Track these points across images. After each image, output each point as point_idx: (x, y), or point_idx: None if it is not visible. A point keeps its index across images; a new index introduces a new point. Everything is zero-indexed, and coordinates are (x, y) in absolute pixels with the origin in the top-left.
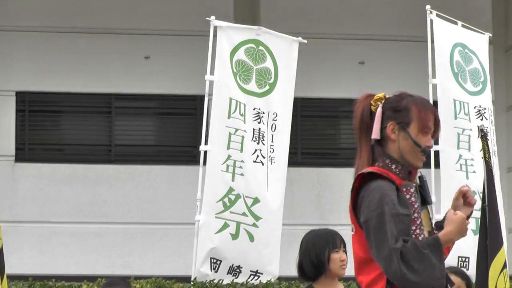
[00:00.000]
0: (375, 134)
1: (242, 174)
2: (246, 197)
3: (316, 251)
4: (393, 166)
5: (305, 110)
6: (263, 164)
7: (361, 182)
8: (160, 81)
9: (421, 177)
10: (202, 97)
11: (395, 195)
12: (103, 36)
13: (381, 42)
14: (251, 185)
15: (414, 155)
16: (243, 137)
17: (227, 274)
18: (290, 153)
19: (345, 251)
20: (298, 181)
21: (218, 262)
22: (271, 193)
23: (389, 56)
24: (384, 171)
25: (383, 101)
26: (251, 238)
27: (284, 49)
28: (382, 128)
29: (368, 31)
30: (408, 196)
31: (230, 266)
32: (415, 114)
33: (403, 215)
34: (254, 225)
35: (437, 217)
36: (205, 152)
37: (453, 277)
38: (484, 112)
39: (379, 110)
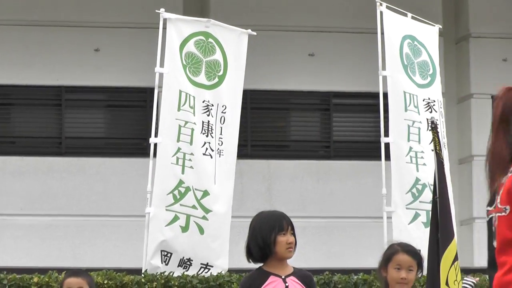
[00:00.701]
0: None
1: (191, 167)
2: (196, 190)
3: (263, 234)
4: None
5: (255, 102)
6: (211, 157)
7: None
8: (110, 73)
9: None
10: (152, 89)
11: None
12: (53, 28)
13: (331, 34)
14: (200, 178)
15: None
16: (192, 129)
17: (178, 266)
18: (240, 146)
19: (293, 234)
20: (248, 173)
21: (169, 255)
22: (219, 186)
23: (339, 48)
24: None
25: None
26: (201, 230)
27: (234, 41)
28: None
29: (318, 23)
30: None
31: (180, 259)
32: None
33: None
34: (204, 217)
35: (387, 209)
36: (155, 145)
37: (405, 256)
38: (433, 105)
39: None
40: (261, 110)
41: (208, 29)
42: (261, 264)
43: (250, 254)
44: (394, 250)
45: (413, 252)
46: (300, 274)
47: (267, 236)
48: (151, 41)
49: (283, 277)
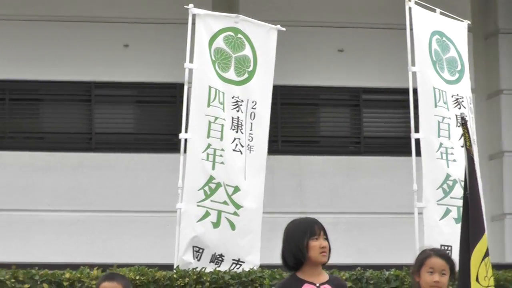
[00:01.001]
0: None
1: (222, 163)
2: (227, 186)
3: (295, 241)
4: None
5: (285, 98)
6: (241, 153)
7: None
8: (140, 69)
9: None
10: (181, 85)
11: None
12: (83, 24)
13: (360, 30)
14: (231, 174)
15: None
16: (222, 125)
17: (210, 262)
18: (270, 141)
19: (326, 239)
20: (278, 169)
21: (201, 251)
22: (250, 182)
23: (368, 44)
24: None
25: None
26: (233, 226)
27: (263, 37)
28: None
29: (347, 19)
30: None
31: (212, 255)
32: None
33: None
34: (235, 213)
35: (418, 205)
36: (185, 140)
37: (438, 260)
38: (462, 101)
39: None
40: (291, 106)
41: (237, 25)
42: (295, 272)
43: (286, 263)
44: (426, 255)
45: (446, 257)
46: (335, 282)
47: (299, 241)
48: (180, 36)
49: (317, 284)
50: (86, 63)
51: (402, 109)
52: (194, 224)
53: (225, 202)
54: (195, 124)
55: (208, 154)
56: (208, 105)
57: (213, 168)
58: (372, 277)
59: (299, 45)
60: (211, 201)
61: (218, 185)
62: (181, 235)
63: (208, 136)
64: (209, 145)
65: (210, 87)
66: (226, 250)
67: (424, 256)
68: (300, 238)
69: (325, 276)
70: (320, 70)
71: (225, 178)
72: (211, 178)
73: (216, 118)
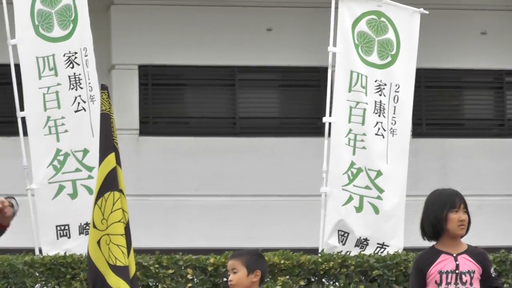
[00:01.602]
0: None
1: (363, 148)
2: (369, 170)
3: (435, 212)
4: None
5: (429, 81)
6: (383, 137)
7: None
8: (283, 53)
9: None
10: (325, 69)
11: None
12: (226, 9)
13: (504, 12)
14: (373, 158)
15: None
16: (364, 109)
17: (355, 246)
18: (414, 124)
19: (466, 212)
20: (423, 152)
21: (346, 235)
22: (392, 165)
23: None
24: None
25: None
26: (376, 210)
27: (406, 20)
28: None
29: (491, 1)
30: None
31: (357, 239)
32: None
33: None
34: (378, 197)
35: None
36: (329, 124)
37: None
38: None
39: None
40: (434, 89)
41: (380, 8)
42: (434, 243)
43: (424, 232)
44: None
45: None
46: (474, 252)
47: (438, 213)
48: (323, 20)
49: (454, 255)
50: (229, 48)
51: None
52: (339, 208)
53: (367, 187)
54: (338, 108)
55: (349, 139)
56: (349, 90)
57: (354, 153)
58: None
59: (442, 27)
60: (354, 186)
61: (359, 170)
62: (326, 219)
63: (349, 122)
64: (350, 130)
65: (351, 72)
66: (370, 234)
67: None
68: (440, 209)
69: (463, 246)
70: (463, 52)
71: (367, 163)
72: (352, 164)
73: (358, 103)
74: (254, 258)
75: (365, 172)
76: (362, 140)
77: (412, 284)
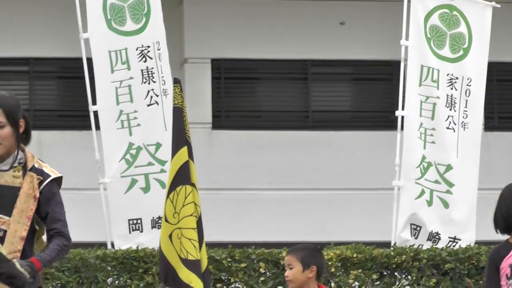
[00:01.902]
0: None
1: (433, 142)
2: (438, 165)
3: (506, 206)
4: None
5: (501, 75)
6: (454, 131)
7: None
8: (356, 46)
9: None
10: (397, 62)
11: None
12: (300, 3)
13: None
14: (442, 152)
15: None
16: (435, 104)
17: (427, 240)
18: (486, 118)
19: None
20: (495, 146)
21: (418, 228)
22: (463, 159)
23: None
24: None
25: None
26: (446, 205)
27: (478, 14)
28: None
29: None
30: None
31: (429, 233)
32: None
33: None
34: (448, 192)
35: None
36: (402, 118)
37: None
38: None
39: None
40: (507, 82)
41: (452, 2)
42: (508, 237)
43: (497, 224)
44: None
45: None
46: None
47: (510, 207)
48: (395, 14)
49: None
50: (302, 41)
51: None
52: (412, 202)
53: (436, 181)
54: (411, 102)
55: (421, 133)
56: (420, 85)
57: (424, 147)
58: None
59: None
60: (425, 179)
61: (429, 164)
62: (399, 212)
63: (420, 115)
64: (421, 125)
65: (422, 66)
66: (441, 228)
67: None
68: (511, 203)
69: None
70: None
71: (436, 157)
72: (423, 158)
73: (427, 98)
74: (309, 254)
75: (434, 167)
76: (431, 135)
77: (488, 278)
